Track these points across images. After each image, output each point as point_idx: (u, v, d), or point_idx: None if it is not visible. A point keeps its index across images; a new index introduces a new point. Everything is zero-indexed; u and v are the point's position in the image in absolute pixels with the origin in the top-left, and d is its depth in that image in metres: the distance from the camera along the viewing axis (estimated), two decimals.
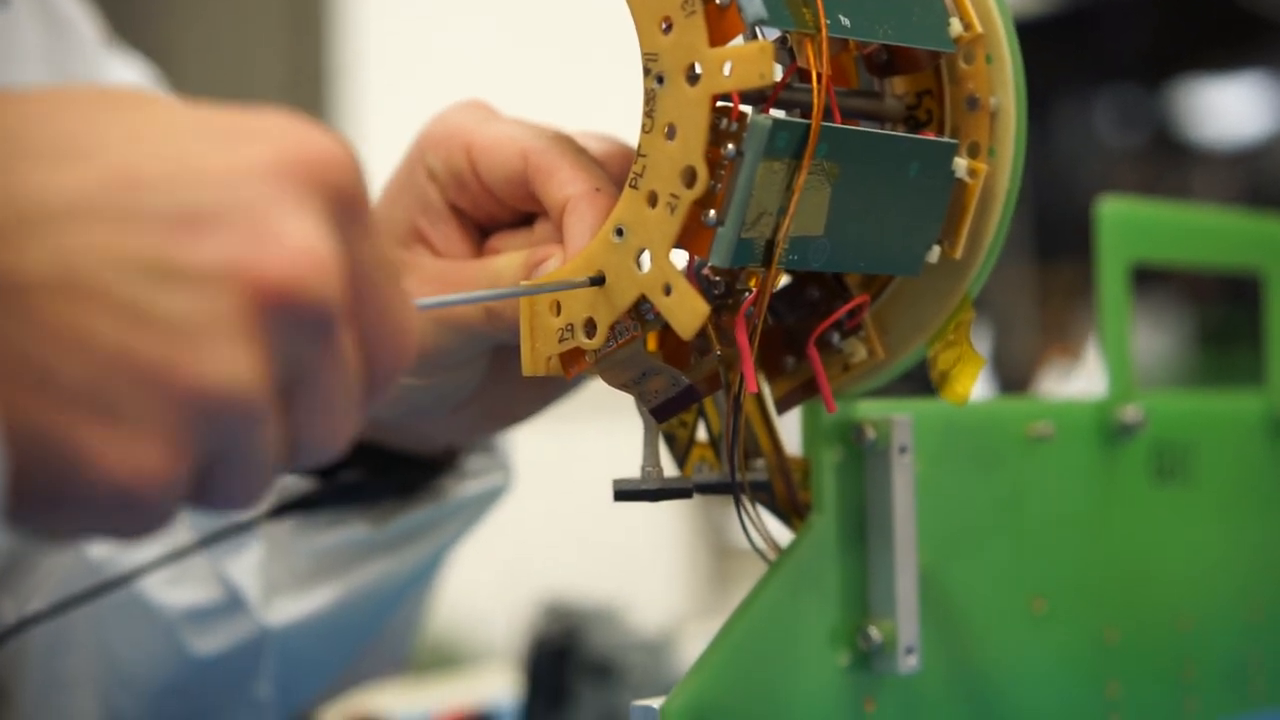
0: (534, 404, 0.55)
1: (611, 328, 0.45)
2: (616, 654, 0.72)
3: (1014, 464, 0.54)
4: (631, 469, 0.48)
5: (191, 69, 2.41)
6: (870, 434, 0.49)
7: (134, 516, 0.32)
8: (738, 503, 0.47)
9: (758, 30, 0.42)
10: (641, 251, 0.44)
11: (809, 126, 0.42)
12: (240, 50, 2.63)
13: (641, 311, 0.44)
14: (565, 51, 2.58)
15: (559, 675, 0.72)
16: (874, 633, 0.49)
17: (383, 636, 0.68)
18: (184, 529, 0.60)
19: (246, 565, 0.60)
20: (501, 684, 0.83)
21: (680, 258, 0.44)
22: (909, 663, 0.49)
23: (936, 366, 0.48)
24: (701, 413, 0.51)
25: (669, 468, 0.49)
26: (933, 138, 0.46)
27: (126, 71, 0.77)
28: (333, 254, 0.32)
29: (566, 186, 0.47)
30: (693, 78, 0.42)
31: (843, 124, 0.44)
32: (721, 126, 0.43)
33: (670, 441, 0.52)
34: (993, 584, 0.54)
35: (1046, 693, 0.55)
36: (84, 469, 0.31)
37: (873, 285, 0.49)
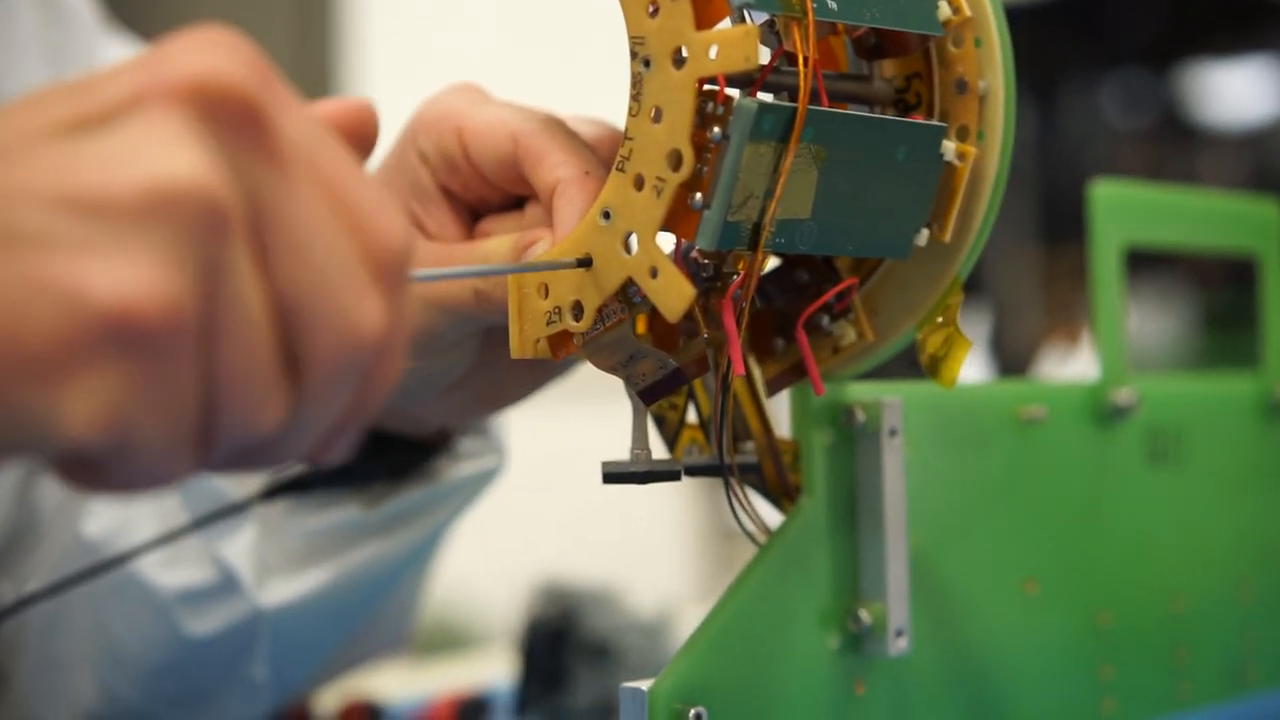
0: (525, 386, 0.55)
1: (599, 310, 0.45)
2: (613, 636, 0.72)
3: (1006, 447, 0.54)
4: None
5: None
6: (860, 416, 0.49)
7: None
8: (727, 485, 0.47)
9: (745, 13, 0.42)
10: (629, 234, 0.44)
11: (795, 109, 0.42)
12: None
13: (629, 294, 0.44)
14: (566, 41, 2.58)
15: (555, 657, 0.72)
16: (864, 615, 0.49)
17: (380, 619, 0.68)
18: (178, 510, 0.60)
19: (240, 546, 0.61)
20: (500, 667, 0.83)
21: (668, 241, 0.45)
22: (899, 645, 0.49)
23: (925, 349, 0.48)
24: (692, 395, 0.51)
25: (659, 450, 0.49)
26: (921, 121, 0.46)
27: (126, 56, 0.77)
28: (206, 175, 0.32)
29: (556, 170, 0.47)
30: (679, 61, 0.42)
31: (830, 107, 0.44)
32: (708, 110, 0.42)
33: (660, 424, 0.52)
34: (984, 567, 0.54)
35: (1039, 676, 0.55)
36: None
37: (862, 268, 0.49)
